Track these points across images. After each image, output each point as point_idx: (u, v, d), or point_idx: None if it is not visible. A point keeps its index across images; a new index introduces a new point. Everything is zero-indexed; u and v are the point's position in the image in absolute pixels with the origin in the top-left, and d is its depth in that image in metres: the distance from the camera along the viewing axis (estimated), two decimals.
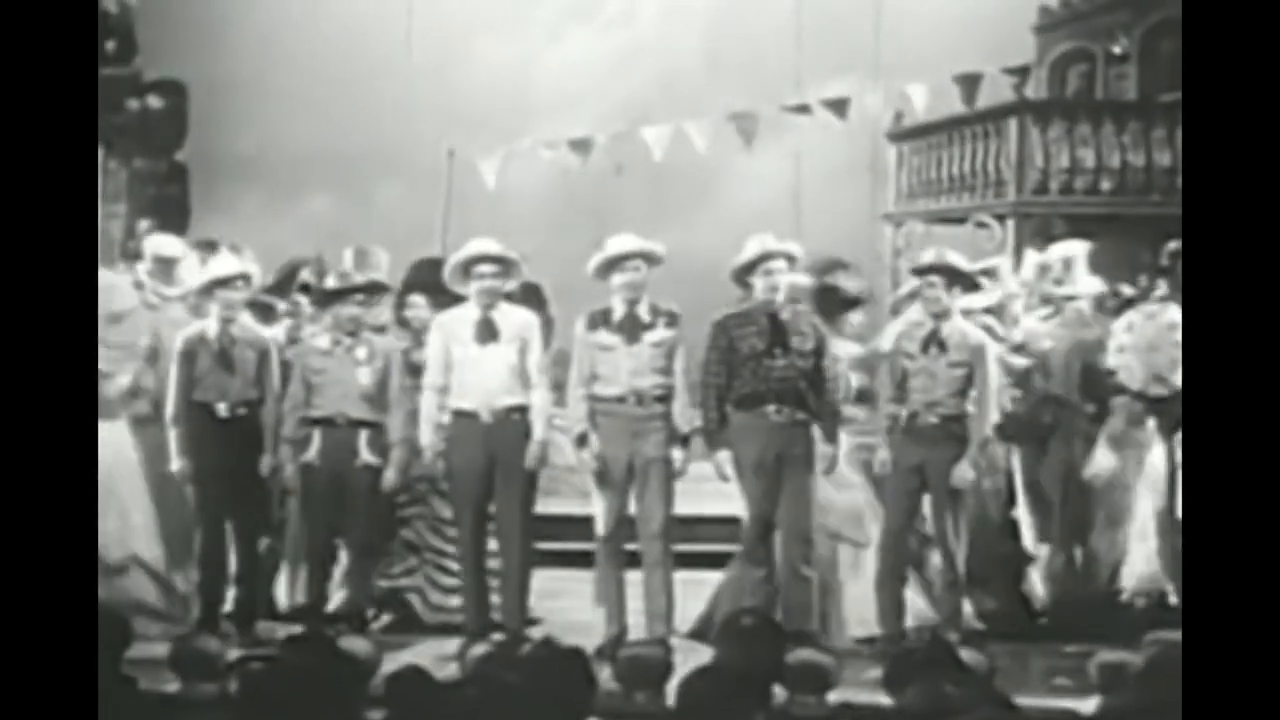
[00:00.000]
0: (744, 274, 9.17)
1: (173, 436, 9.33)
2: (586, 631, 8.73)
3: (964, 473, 9.03)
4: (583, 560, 9.76)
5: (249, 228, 14.85)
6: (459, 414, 9.08)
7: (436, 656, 8.17)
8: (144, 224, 14.35)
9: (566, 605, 9.86)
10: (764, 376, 9.04)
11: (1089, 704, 6.23)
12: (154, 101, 15.37)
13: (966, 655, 6.17)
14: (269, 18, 16.46)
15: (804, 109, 15.30)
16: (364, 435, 9.15)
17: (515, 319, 9.15)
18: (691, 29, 16.82)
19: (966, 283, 9.20)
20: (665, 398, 9.04)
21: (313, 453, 9.16)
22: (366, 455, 9.15)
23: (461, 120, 15.69)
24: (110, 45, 14.76)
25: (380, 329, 9.66)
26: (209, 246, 11.29)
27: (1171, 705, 5.31)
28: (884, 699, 5.89)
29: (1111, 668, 6.28)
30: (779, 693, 5.92)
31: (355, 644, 6.39)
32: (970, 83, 15.41)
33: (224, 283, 9.36)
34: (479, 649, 6.60)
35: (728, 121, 14.93)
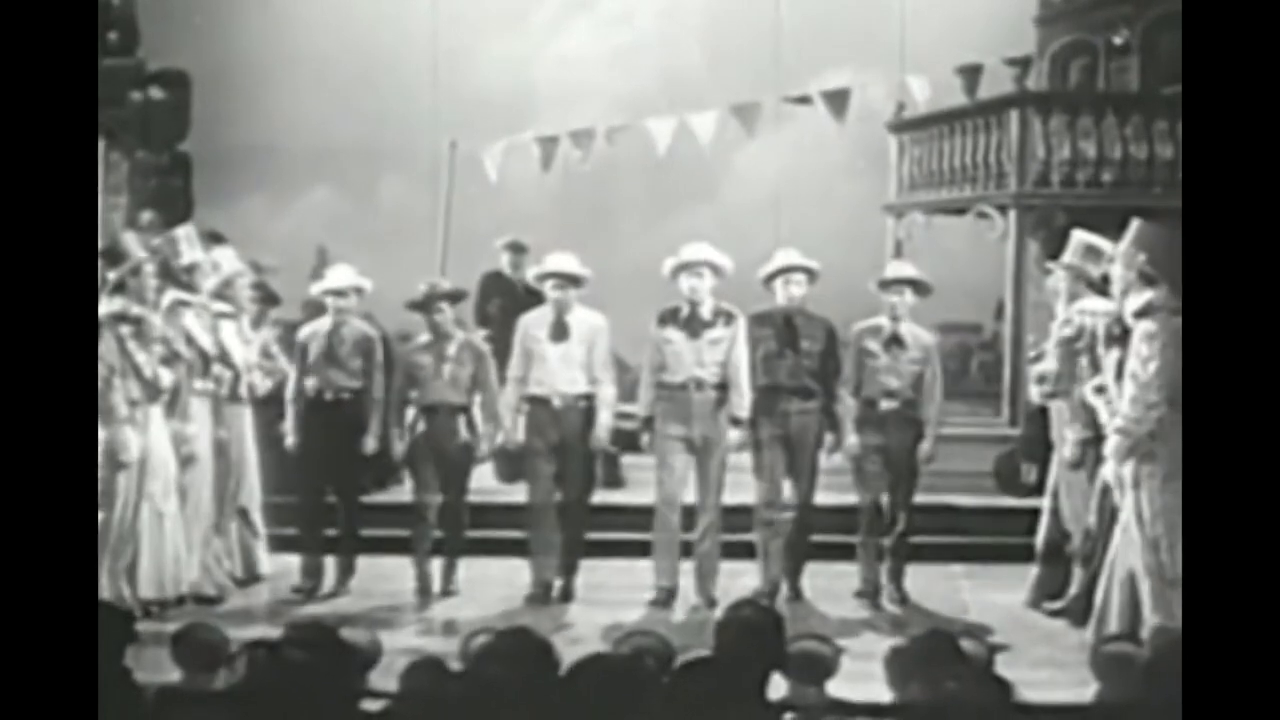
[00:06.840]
0: (768, 281, 10.60)
1: (289, 415, 11.02)
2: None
3: (927, 449, 10.56)
4: (598, 550, 10.91)
5: (252, 220, 14.90)
6: (534, 400, 10.64)
7: (437, 647, 8.19)
8: (145, 216, 14.36)
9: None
10: (775, 373, 10.55)
11: (1088, 693, 6.24)
12: (156, 93, 15.36)
13: (967, 645, 6.19)
14: (271, 9, 16.45)
15: (805, 100, 15.30)
16: (462, 419, 10.84)
17: (586, 322, 10.68)
18: (691, 23, 16.81)
19: (923, 290, 10.58)
20: (722, 385, 10.43)
21: (420, 432, 10.83)
22: (464, 435, 10.84)
23: (463, 113, 15.69)
24: (112, 36, 14.75)
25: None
26: (215, 239, 11.38)
27: (1172, 697, 5.32)
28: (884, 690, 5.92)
29: (1113, 658, 6.28)
30: (779, 683, 5.92)
31: (356, 633, 6.41)
32: (971, 74, 15.39)
33: (338, 293, 11.03)
34: (479, 639, 6.60)
35: (730, 113, 14.93)
